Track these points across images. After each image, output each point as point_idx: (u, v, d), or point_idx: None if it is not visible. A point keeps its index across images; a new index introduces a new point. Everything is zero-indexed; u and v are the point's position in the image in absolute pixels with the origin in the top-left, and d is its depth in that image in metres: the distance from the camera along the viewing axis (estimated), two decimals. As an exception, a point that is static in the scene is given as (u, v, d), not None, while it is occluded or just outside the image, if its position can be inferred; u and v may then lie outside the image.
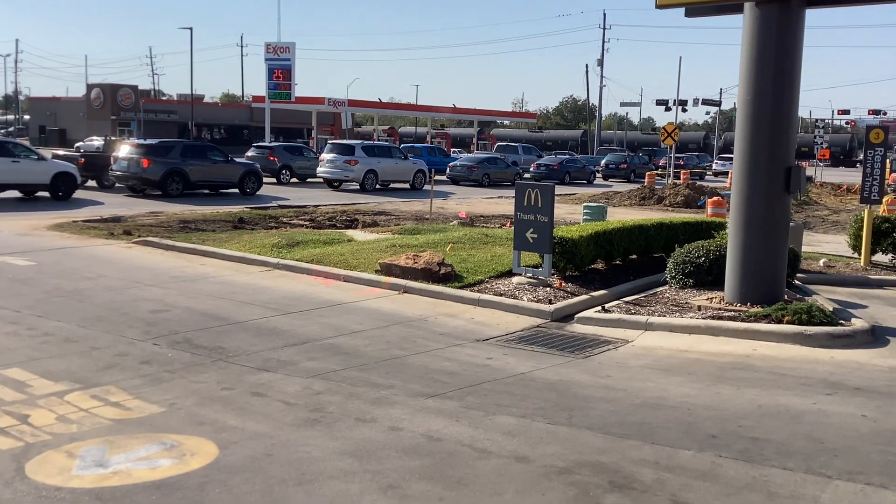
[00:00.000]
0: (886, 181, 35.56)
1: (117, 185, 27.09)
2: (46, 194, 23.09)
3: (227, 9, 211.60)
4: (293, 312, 9.85)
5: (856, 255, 14.48)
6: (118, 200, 24.05)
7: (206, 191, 26.90)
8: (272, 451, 5.50)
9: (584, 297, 10.81)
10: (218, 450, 5.50)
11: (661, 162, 55.85)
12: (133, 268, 12.58)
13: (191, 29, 66.27)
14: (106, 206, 22.29)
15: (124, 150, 26.02)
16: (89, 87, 72.15)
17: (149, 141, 27.22)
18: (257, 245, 14.21)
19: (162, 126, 65.99)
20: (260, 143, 38.44)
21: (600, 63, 74.62)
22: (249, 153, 34.99)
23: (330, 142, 37.51)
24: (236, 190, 27.04)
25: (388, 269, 11.88)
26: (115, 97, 68.36)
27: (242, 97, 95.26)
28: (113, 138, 33.85)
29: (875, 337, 9.14)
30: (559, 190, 35.70)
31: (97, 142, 31.41)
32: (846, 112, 79.12)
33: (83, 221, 17.93)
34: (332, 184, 32.84)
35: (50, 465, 5.22)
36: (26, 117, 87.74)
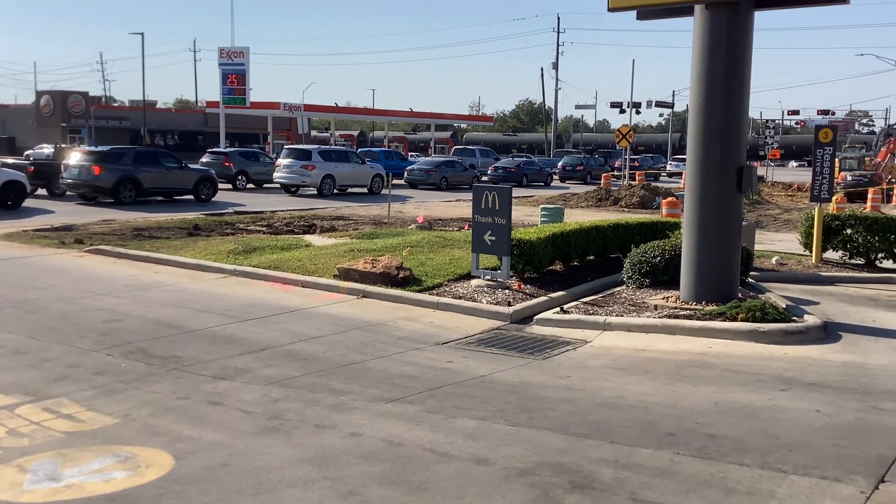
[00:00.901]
0: (836, 179, 36.42)
1: (68, 193, 26.55)
2: (-6, 203, 22.54)
3: (179, 14, 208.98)
4: (250, 319, 9.73)
5: (807, 253, 14.76)
6: (69, 209, 23.58)
7: (160, 198, 26.53)
8: (229, 461, 5.42)
9: (542, 298, 10.85)
10: (174, 461, 5.40)
11: (617, 163, 56.44)
12: (85, 277, 12.33)
13: (142, 34, 65.23)
14: (57, 214, 21.84)
15: (75, 157, 25.55)
16: (38, 94, 70.62)
17: (100, 148, 26.77)
18: (213, 252, 14.03)
19: (114, 133, 64.80)
20: (215, 149, 38.04)
21: (555, 66, 75.31)
22: (204, 159, 34.57)
23: (286, 147, 37.20)
24: (191, 196, 26.71)
25: (346, 274, 11.81)
26: (66, 104, 67.00)
27: (196, 103, 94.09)
28: (63, 146, 33.19)
29: (827, 333, 9.31)
30: (517, 192, 35.91)
31: (47, 149, 30.87)
32: (796, 112, 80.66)
33: (33, 231, 17.54)
34: (290, 189, 32.59)
35: (0, 481, 5.08)
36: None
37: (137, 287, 11.62)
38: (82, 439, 5.81)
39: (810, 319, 9.49)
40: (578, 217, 20.05)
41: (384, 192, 31.14)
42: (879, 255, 13.90)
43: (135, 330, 9.06)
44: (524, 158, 53.34)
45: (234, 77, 46.86)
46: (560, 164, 52.02)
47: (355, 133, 76.94)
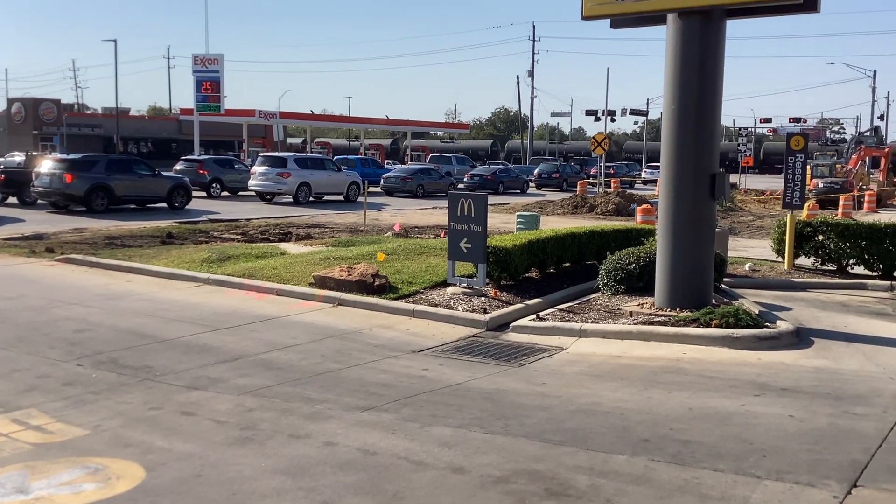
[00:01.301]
0: (808, 186, 36.84)
1: (39, 201, 26.22)
2: (-36, 212, 22.22)
3: (153, 20, 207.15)
4: (224, 328, 9.65)
5: (780, 259, 14.89)
6: (40, 217, 23.30)
7: (133, 206, 26.29)
8: (202, 472, 5.35)
9: (518, 305, 10.86)
10: (145, 472, 5.33)
11: (593, 171, 56.73)
12: (56, 286, 12.17)
13: (115, 41, 64.62)
14: (27, 223, 21.57)
15: (47, 165, 25.26)
16: (10, 102, 69.74)
17: (72, 155, 26.50)
18: (186, 260, 13.91)
19: (86, 140, 64.03)
20: (189, 157, 37.76)
21: (531, 74, 75.61)
22: (178, 167, 34.30)
23: (261, 154, 37.03)
24: (164, 204, 26.50)
25: (322, 282, 11.75)
26: (37, 111, 66.21)
27: (170, 110, 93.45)
28: (34, 153, 32.77)
29: (800, 338, 9.39)
30: (493, 200, 35.81)
31: (18, 157, 30.37)
32: (768, 120, 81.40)
33: (3, 240, 17.31)
34: (265, 197, 32.44)
35: (-35, 495, 4.98)
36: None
37: (109, 296, 11.48)
38: (52, 451, 5.71)
39: (783, 325, 9.57)
40: (555, 224, 20.10)
41: (360, 199, 31.09)
42: (851, 262, 14.05)
43: (106, 340, 8.95)
44: (500, 166, 53.50)
45: (209, 84, 46.58)
46: (536, 171, 52.23)
47: (298, 141, 76.47)
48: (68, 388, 7.17)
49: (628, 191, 37.91)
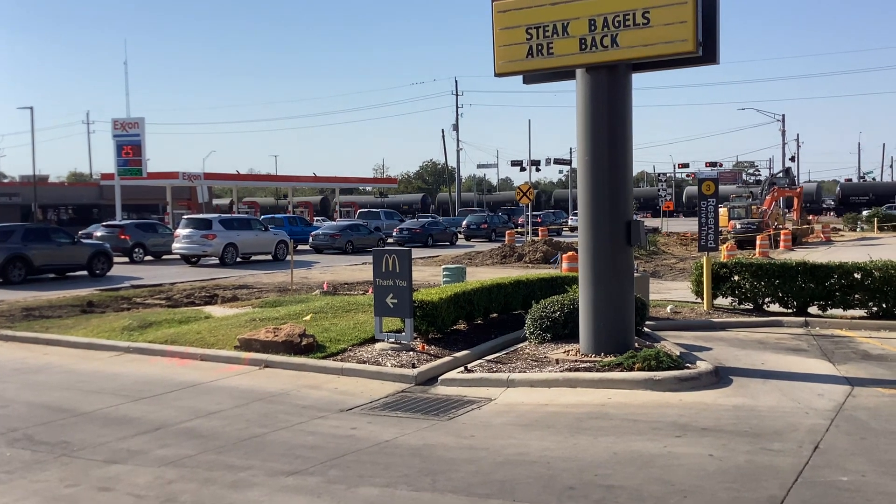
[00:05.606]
0: (726, 228, 38.00)
1: (-47, 274, 25.27)
2: None
3: (72, 86, 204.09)
4: (145, 398, 9.41)
5: (699, 301, 15.29)
6: (-47, 291, 22.41)
7: (53, 275, 25.55)
8: (120, 549, 5.18)
9: (447, 358, 10.89)
10: (59, 554, 5.13)
11: (520, 220, 57.52)
12: (-32, 363, 11.71)
13: (31, 108, 63.45)
14: (-61, 297, 20.72)
15: (-41, 237, 24.38)
16: (-79, 172, 67.62)
17: (-14, 226, 25.67)
18: (106, 329, 13.56)
19: (3, 210, 62.37)
20: (109, 222, 36.98)
21: (455, 128, 76.86)
22: (98, 233, 33.53)
23: (185, 216, 36.48)
24: (85, 272, 25.84)
25: (247, 345, 11.60)
26: (-49, 181, 64.26)
27: (91, 175, 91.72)
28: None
29: (719, 377, 9.64)
30: (422, 253, 35.93)
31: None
32: (686, 165, 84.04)
33: (-88, 316, 16.57)
34: (190, 260, 31.89)
35: None
36: None
37: (25, 370, 11.11)
38: (-41, 538, 5.47)
39: (702, 365, 9.81)
40: (485, 274, 20.28)
41: (290, 258, 30.82)
42: (766, 300, 14.52)
43: (21, 416, 8.64)
44: (429, 219, 53.86)
45: (130, 148, 45.87)
46: (464, 222, 52.74)
47: (226, 201, 76.04)
48: (-21, 470, 6.89)
49: (555, 238, 38.52)
